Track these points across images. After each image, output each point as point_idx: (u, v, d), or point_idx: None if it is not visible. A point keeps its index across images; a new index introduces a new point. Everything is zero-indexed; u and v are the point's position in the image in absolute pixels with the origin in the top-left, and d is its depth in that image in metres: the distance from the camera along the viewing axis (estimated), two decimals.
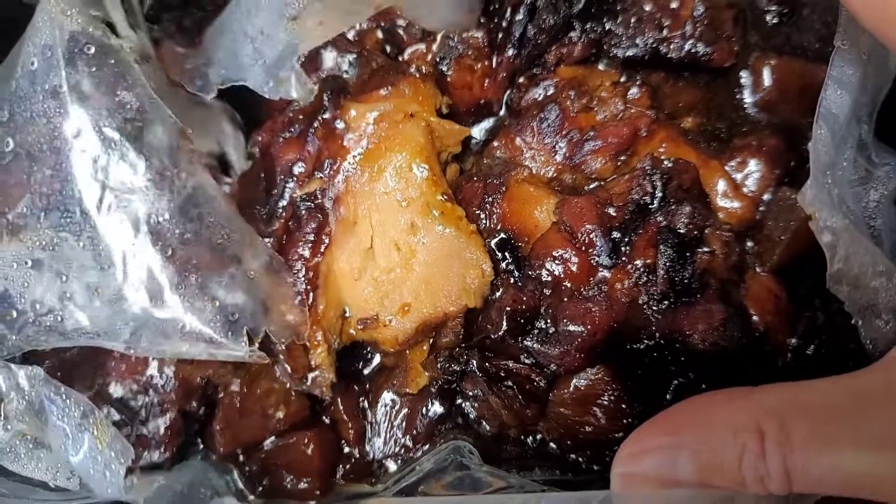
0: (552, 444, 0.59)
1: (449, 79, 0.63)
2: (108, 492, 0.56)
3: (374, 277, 0.59)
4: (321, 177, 0.60)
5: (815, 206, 0.48)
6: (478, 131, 0.66)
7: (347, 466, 0.64)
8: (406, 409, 0.63)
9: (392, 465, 0.63)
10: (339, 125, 0.60)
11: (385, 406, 0.63)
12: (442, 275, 0.58)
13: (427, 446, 0.62)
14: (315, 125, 0.61)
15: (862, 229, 0.51)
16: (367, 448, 0.63)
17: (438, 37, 0.62)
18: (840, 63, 0.50)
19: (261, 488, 0.63)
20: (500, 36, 0.61)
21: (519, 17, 0.60)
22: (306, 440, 0.62)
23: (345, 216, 0.60)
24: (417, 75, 0.60)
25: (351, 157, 0.60)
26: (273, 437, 0.63)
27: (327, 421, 0.64)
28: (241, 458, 0.63)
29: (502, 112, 0.65)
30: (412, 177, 0.59)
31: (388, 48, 0.63)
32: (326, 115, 0.61)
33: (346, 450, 0.64)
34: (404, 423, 0.62)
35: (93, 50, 0.52)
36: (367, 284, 0.60)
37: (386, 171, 0.59)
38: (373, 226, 0.59)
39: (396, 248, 0.59)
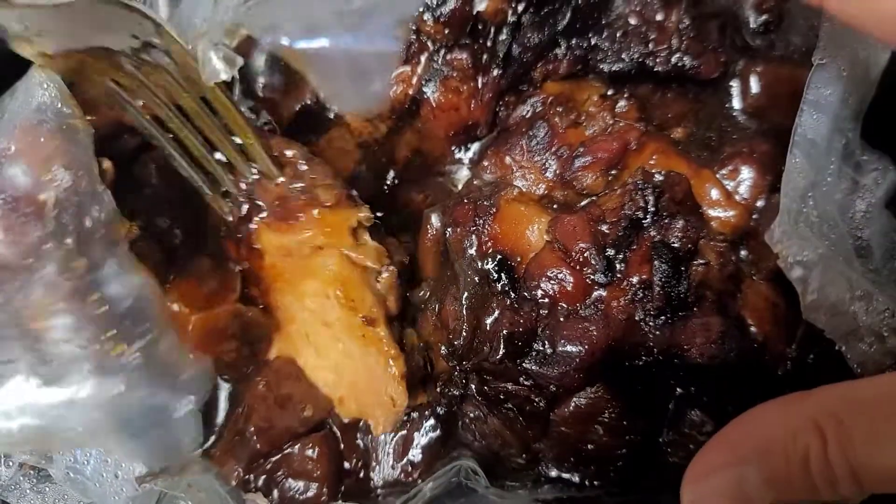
0: (555, 463, 0.59)
1: (435, 101, 0.62)
2: (122, 491, 0.57)
3: (318, 367, 0.62)
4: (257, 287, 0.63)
5: (784, 242, 0.49)
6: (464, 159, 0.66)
7: (349, 486, 0.63)
8: (404, 432, 0.63)
9: (393, 489, 0.62)
10: (259, 247, 0.61)
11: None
12: (363, 387, 0.60)
13: (430, 470, 0.62)
14: (239, 241, 0.62)
15: (844, 247, 0.50)
16: (368, 471, 0.63)
17: (423, 58, 0.62)
18: (817, 84, 0.50)
19: None
20: (484, 56, 0.61)
21: (502, 36, 0.59)
22: (311, 444, 0.61)
23: (284, 318, 0.62)
24: (319, 209, 0.60)
25: (273, 279, 0.62)
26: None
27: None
28: (244, 476, 0.62)
29: (490, 132, 0.64)
30: (329, 304, 0.60)
31: None
32: (242, 236, 0.62)
33: (347, 466, 0.63)
34: (402, 448, 0.62)
35: (50, 125, 0.52)
36: (314, 371, 0.62)
37: (305, 296, 0.61)
38: (307, 335, 0.61)
39: (328, 354, 0.61)
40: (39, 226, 0.51)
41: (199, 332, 0.59)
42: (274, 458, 0.61)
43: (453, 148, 0.65)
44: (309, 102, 0.63)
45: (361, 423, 0.63)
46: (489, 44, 0.60)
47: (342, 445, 0.63)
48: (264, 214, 0.61)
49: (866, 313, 0.47)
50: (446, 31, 0.60)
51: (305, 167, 0.60)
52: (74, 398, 0.51)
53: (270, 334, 0.63)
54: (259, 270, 0.62)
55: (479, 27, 0.60)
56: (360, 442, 0.63)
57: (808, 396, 0.40)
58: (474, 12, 0.60)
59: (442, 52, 0.61)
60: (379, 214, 0.64)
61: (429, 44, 0.61)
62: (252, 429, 0.59)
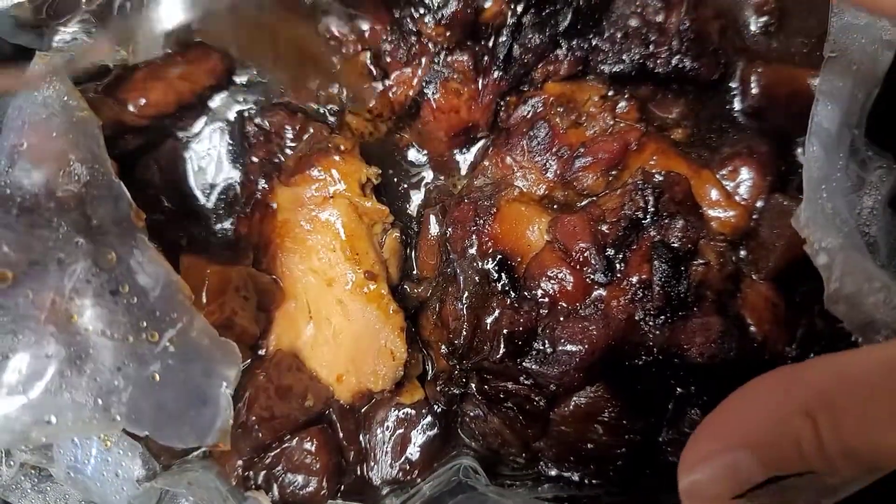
0: (554, 462, 0.59)
1: (435, 103, 0.63)
2: (122, 489, 0.57)
3: (317, 344, 0.62)
4: (264, 257, 0.64)
5: (810, 228, 0.48)
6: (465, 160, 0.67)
7: (348, 486, 0.64)
8: (403, 431, 0.63)
9: (394, 487, 0.63)
10: (273, 206, 0.63)
11: (382, 428, 0.63)
12: (363, 353, 0.62)
13: (429, 469, 0.62)
14: (252, 206, 0.64)
15: (857, 241, 0.50)
16: (367, 469, 0.63)
17: (424, 60, 0.62)
18: (829, 76, 0.50)
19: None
20: (484, 59, 0.61)
21: (503, 39, 0.60)
22: (309, 437, 0.62)
23: (285, 291, 0.63)
24: (337, 156, 0.62)
25: (283, 238, 0.63)
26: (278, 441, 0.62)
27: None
28: (244, 472, 0.62)
29: (490, 134, 0.65)
30: (335, 257, 0.62)
31: (374, 72, 0.63)
32: (260, 197, 0.64)
33: (345, 462, 0.63)
34: (400, 446, 0.62)
35: (60, 119, 0.52)
36: (313, 349, 0.63)
37: (313, 251, 0.62)
38: (308, 302, 0.62)
39: (329, 322, 0.62)
40: (65, 221, 0.51)
41: (214, 284, 0.60)
42: (273, 453, 0.61)
43: (453, 149, 0.65)
44: None
45: (361, 411, 0.63)
46: (489, 46, 0.61)
47: (341, 434, 0.63)
48: (282, 170, 0.64)
49: (883, 305, 0.47)
50: (447, 34, 0.61)
51: None
52: (113, 389, 0.51)
53: (276, 306, 0.63)
54: (270, 232, 0.64)
55: (480, 30, 0.61)
56: (360, 438, 0.63)
57: (798, 377, 0.40)
58: (475, 15, 0.60)
59: (443, 54, 0.62)
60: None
61: (430, 46, 0.61)
62: (254, 418, 0.60)
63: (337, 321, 0.62)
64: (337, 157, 0.63)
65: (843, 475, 0.40)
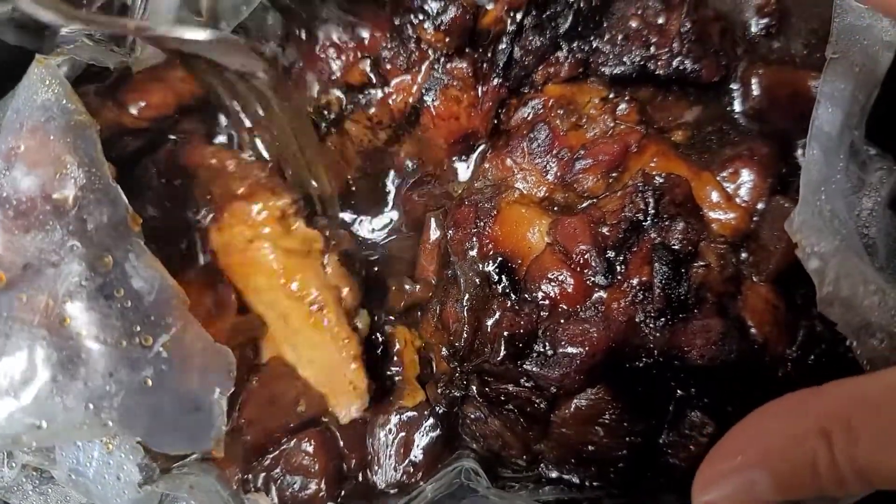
0: (555, 464, 0.59)
1: (435, 110, 0.63)
2: (124, 493, 0.57)
3: (299, 365, 0.62)
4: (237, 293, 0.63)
5: (803, 232, 0.48)
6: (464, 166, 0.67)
7: (350, 490, 0.64)
8: (405, 434, 0.63)
9: (396, 491, 0.63)
10: (213, 250, 0.63)
11: (385, 431, 0.63)
12: (324, 381, 0.61)
13: (433, 470, 0.62)
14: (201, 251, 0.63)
15: (855, 244, 0.50)
16: (369, 474, 0.63)
17: (423, 67, 0.62)
18: (831, 77, 0.50)
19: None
20: (484, 65, 0.61)
21: (502, 45, 0.60)
22: (307, 438, 0.62)
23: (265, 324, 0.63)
24: (252, 191, 0.61)
25: (234, 279, 0.62)
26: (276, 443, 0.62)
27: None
28: (243, 475, 0.62)
29: (490, 140, 0.65)
30: (278, 295, 0.61)
31: (373, 79, 0.63)
32: (200, 242, 0.63)
33: (346, 466, 0.63)
34: (403, 449, 0.62)
35: (58, 122, 0.52)
36: (298, 368, 0.62)
37: (261, 290, 0.61)
38: (278, 336, 0.62)
39: (299, 353, 0.61)
40: (61, 224, 0.51)
41: None
42: (272, 455, 0.62)
43: (453, 156, 0.65)
44: None
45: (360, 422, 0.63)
46: (489, 53, 0.61)
47: (342, 443, 0.63)
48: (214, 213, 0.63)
49: (878, 309, 0.47)
50: (446, 40, 0.61)
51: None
52: (104, 394, 0.51)
53: (261, 337, 0.63)
54: (224, 274, 0.63)
55: (480, 36, 0.61)
56: (364, 442, 0.63)
57: (817, 394, 0.40)
58: (474, 21, 0.60)
59: (442, 60, 0.62)
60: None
61: (429, 52, 0.61)
62: (247, 425, 0.60)
63: (306, 353, 0.61)
64: (251, 191, 0.61)
65: (853, 495, 0.40)
